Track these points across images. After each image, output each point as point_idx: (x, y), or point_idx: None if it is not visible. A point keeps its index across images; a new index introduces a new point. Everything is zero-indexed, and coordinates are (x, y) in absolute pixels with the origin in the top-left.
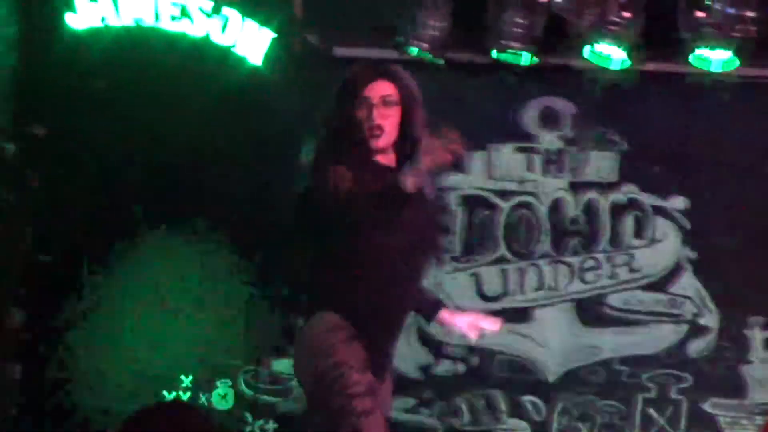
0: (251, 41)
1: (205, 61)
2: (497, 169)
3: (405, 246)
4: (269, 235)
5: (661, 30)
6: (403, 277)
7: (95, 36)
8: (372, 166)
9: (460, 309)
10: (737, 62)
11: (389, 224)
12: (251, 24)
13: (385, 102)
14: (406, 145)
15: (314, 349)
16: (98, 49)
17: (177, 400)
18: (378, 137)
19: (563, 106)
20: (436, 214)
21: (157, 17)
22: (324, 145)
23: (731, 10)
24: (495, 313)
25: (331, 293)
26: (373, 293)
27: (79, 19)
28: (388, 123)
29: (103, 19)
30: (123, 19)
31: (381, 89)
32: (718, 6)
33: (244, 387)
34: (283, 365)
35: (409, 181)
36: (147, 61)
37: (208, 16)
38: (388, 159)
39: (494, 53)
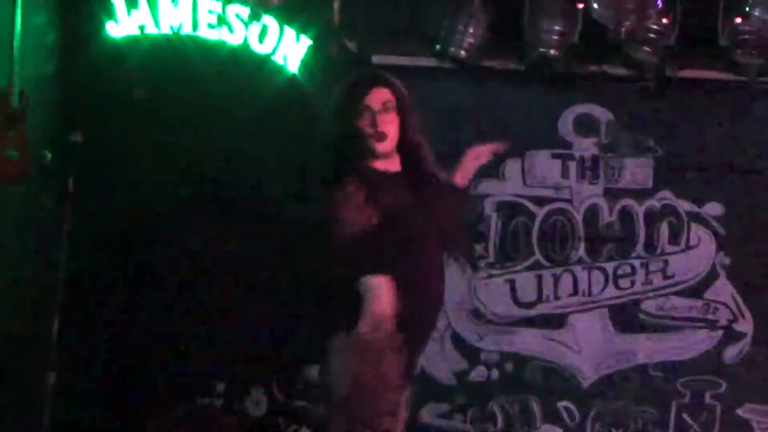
0: (289, 49)
1: (243, 68)
2: (533, 175)
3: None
4: (309, 240)
5: (700, 36)
6: (435, 274)
7: (134, 44)
8: (380, 176)
9: (495, 315)
10: None
11: (424, 220)
12: (289, 32)
13: (386, 108)
14: (406, 149)
15: (362, 351)
16: (137, 57)
17: (211, 406)
18: (384, 141)
19: (599, 112)
20: (460, 211)
21: (195, 25)
22: (328, 163)
23: None
24: (530, 320)
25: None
26: (413, 296)
27: (118, 28)
28: (390, 128)
29: (141, 27)
30: (161, 27)
31: (380, 96)
32: (757, 12)
33: (277, 393)
34: (317, 371)
35: (458, 178)
36: (185, 69)
37: (246, 24)
38: (393, 165)
39: (531, 60)
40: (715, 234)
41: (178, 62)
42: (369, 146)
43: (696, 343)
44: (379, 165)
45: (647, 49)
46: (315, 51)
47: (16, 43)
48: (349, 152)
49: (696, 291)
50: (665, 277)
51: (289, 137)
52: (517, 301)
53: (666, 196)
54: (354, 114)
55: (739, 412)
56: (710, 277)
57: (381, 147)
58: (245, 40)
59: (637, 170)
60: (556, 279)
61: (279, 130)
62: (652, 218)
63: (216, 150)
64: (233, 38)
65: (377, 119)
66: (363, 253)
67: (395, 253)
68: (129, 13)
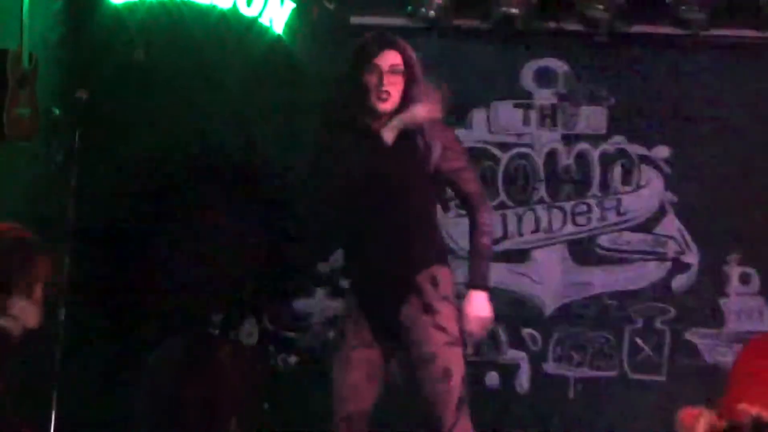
0: (274, 12)
1: (232, 30)
2: (497, 123)
3: (393, 200)
4: (293, 186)
5: None
6: (397, 232)
7: (132, 9)
8: (373, 140)
9: (465, 251)
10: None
11: (371, 179)
12: None
13: (393, 70)
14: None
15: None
16: (135, 21)
17: (209, 335)
18: (385, 101)
19: (557, 65)
20: (426, 162)
21: None
22: (333, 110)
23: None
24: (496, 255)
25: (345, 266)
26: (372, 257)
27: None
28: (394, 89)
29: None
30: None
31: (390, 58)
32: None
33: (267, 324)
34: (303, 305)
35: (386, 135)
36: (179, 32)
37: None
38: (388, 135)
39: (494, 19)
40: (663, 174)
41: (173, 25)
42: (371, 103)
43: (646, 273)
44: (376, 127)
45: (600, 6)
46: (298, 13)
47: (25, 9)
48: (350, 107)
49: (646, 226)
50: (618, 214)
51: (276, 94)
52: None
53: (618, 140)
54: (363, 71)
55: (686, 335)
56: (659, 214)
57: (382, 106)
58: (234, 4)
59: (591, 117)
60: (519, 217)
61: (266, 86)
62: (606, 161)
63: (208, 104)
64: (223, 2)
65: (384, 79)
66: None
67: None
68: None
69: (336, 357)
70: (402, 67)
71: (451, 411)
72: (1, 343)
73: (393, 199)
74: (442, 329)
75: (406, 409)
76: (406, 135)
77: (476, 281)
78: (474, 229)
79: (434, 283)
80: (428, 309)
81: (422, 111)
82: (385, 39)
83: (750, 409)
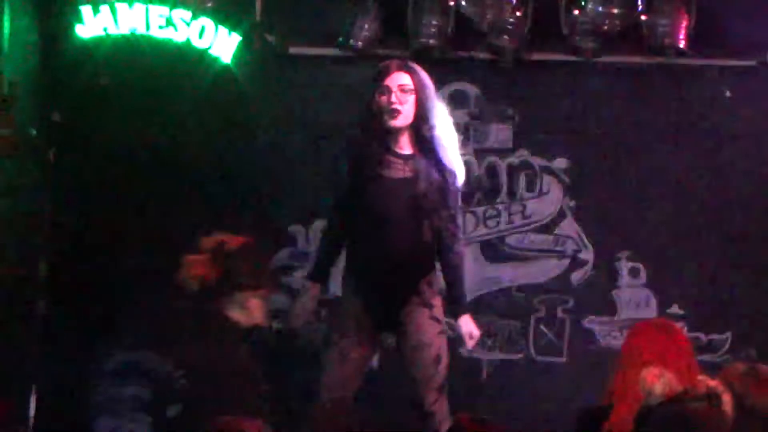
0: (223, 44)
1: (186, 60)
2: None
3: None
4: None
5: (547, 26)
6: (408, 252)
7: (99, 42)
8: (393, 153)
9: None
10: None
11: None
12: (223, 30)
13: (403, 89)
14: (422, 130)
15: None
16: (101, 52)
17: None
18: (395, 117)
19: (469, 88)
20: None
21: (147, 26)
22: (360, 126)
23: (600, 8)
24: None
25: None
26: (384, 271)
27: (85, 29)
28: (404, 107)
29: (105, 29)
30: (120, 28)
31: (399, 79)
32: (590, 6)
33: None
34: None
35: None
36: (140, 62)
37: (188, 24)
38: (408, 148)
39: (414, 48)
40: (562, 183)
41: (134, 56)
42: (383, 120)
43: (549, 269)
44: (392, 143)
45: (506, 37)
46: (243, 45)
47: (5, 42)
48: (369, 123)
49: (548, 228)
50: (524, 217)
51: (223, 113)
52: None
53: (523, 153)
54: (376, 92)
55: (584, 323)
56: (559, 217)
57: (392, 122)
58: (187, 38)
59: (499, 134)
60: None
61: (215, 107)
62: (512, 171)
63: (166, 125)
64: (178, 36)
65: (392, 97)
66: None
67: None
68: (95, 16)
69: (332, 351)
70: (412, 87)
71: (436, 392)
72: (232, 333)
73: (401, 225)
74: (437, 320)
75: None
76: (413, 174)
77: (463, 307)
78: (450, 260)
79: (430, 284)
80: (426, 305)
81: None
82: (396, 63)
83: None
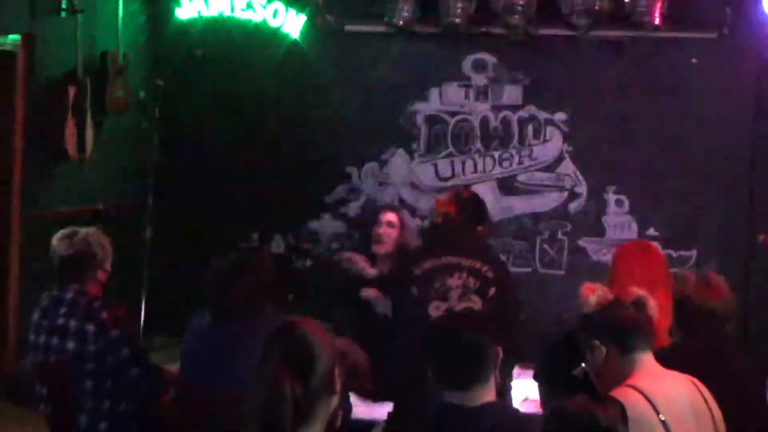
0: (292, 23)
1: (263, 36)
2: (446, 98)
3: None
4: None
5: (549, 6)
6: None
7: (193, 22)
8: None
9: (426, 186)
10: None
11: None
12: (291, 11)
13: (389, 225)
14: (402, 254)
15: None
16: (196, 30)
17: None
18: (381, 245)
19: (488, 57)
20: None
21: (232, 9)
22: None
23: None
24: (446, 189)
25: None
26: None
27: (183, 12)
28: (389, 238)
29: (198, 12)
30: (211, 11)
31: (388, 216)
32: None
33: (291, 239)
34: (314, 225)
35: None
36: (227, 38)
37: (264, 7)
38: (389, 265)
39: (444, 26)
40: (562, 132)
41: (222, 33)
42: (373, 246)
43: (551, 200)
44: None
45: (517, 16)
46: (308, 23)
47: (120, 23)
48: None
49: (550, 167)
50: (531, 159)
51: (293, 80)
52: (439, 177)
53: (531, 108)
54: (374, 224)
55: (579, 242)
56: (559, 159)
57: (376, 248)
58: (264, 19)
59: (512, 93)
60: (463, 163)
61: (286, 75)
62: (522, 123)
63: (248, 90)
64: (256, 17)
65: (381, 230)
66: None
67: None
68: (190, 1)
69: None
70: (397, 223)
71: None
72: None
73: None
74: None
75: None
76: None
77: None
78: None
79: None
80: None
81: None
82: (387, 206)
83: (637, 291)
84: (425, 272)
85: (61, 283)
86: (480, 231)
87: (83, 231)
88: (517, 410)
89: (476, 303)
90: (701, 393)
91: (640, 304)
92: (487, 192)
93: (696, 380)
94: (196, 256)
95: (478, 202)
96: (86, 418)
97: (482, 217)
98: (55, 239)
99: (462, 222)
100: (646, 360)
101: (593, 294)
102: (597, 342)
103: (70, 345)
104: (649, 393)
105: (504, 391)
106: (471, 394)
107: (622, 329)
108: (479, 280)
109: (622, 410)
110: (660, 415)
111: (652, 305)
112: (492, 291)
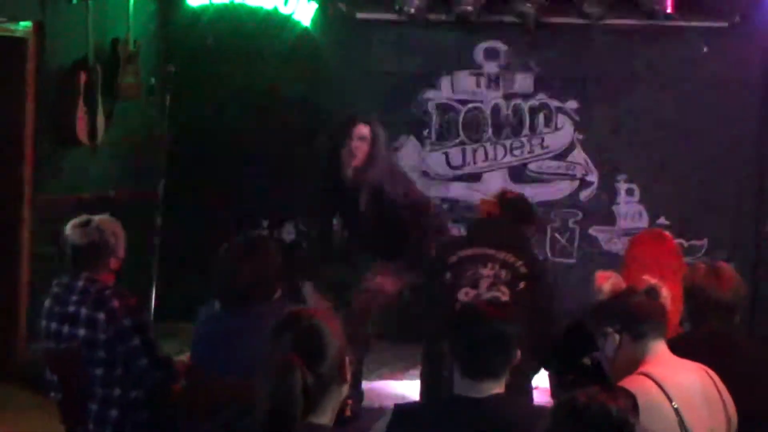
0: (303, 10)
1: (274, 24)
2: (458, 86)
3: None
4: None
5: None
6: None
7: (204, 10)
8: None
9: (437, 174)
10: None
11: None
12: None
13: (361, 139)
14: (369, 170)
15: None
16: (206, 18)
17: (260, 234)
18: (353, 159)
19: (499, 45)
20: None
21: None
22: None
23: None
24: (457, 177)
25: None
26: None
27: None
28: (361, 152)
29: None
30: None
31: (360, 131)
32: None
33: (301, 226)
34: None
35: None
36: (237, 25)
37: None
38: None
39: (456, 14)
40: (573, 120)
41: (232, 21)
42: (345, 162)
43: (562, 189)
44: (350, 174)
45: (528, 4)
46: (320, 11)
47: (131, 11)
48: (336, 160)
49: (562, 156)
50: (542, 148)
51: (303, 66)
52: (450, 165)
53: (542, 97)
54: (346, 136)
55: (590, 231)
56: (570, 147)
57: (352, 160)
58: (275, 6)
59: (523, 82)
60: (474, 151)
61: (297, 61)
62: (533, 111)
63: (258, 75)
64: (267, 4)
65: (354, 144)
66: None
67: None
68: None
69: None
70: (368, 137)
71: None
72: None
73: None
74: None
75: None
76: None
77: None
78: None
79: None
80: None
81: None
82: (359, 117)
83: (650, 280)
84: (460, 259)
85: (74, 271)
86: (522, 228)
87: (96, 219)
88: (529, 404)
89: (504, 294)
90: (713, 381)
91: (653, 293)
92: (498, 180)
93: (708, 368)
94: (206, 242)
95: (522, 202)
96: (96, 406)
97: (527, 217)
98: (69, 228)
99: (505, 220)
100: (659, 348)
101: (607, 282)
102: (610, 329)
103: (81, 332)
104: (661, 381)
105: (521, 391)
106: (480, 385)
107: (635, 316)
108: (511, 272)
109: (633, 401)
110: (672, 403)
111: (665, 294)
112: (522, 285)
